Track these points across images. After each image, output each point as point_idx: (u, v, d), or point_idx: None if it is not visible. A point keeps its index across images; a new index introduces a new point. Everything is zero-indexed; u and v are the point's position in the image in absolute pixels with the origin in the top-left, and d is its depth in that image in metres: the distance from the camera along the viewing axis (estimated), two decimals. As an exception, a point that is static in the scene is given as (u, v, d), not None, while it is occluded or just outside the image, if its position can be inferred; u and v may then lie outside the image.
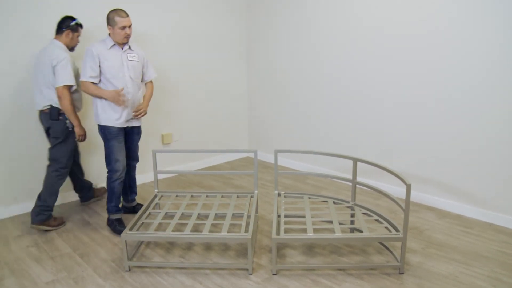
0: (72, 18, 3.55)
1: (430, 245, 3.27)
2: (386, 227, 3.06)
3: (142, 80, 3.66)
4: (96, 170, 4.35)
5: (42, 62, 3.46)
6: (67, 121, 3.54)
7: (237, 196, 3.65)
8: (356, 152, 4.45)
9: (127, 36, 3.37)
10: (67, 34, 3.53)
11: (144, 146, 4.68)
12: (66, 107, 3.44)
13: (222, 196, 3.67)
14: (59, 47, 3.49)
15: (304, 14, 4.81)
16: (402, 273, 2.86)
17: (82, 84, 3.34)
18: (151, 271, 2.93)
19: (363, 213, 3.30)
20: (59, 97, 3.42)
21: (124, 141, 3.60)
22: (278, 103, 5.36)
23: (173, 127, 4.97)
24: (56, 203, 4.10)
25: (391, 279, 2.80)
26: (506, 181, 3.52)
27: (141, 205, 3.96)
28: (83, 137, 3.66)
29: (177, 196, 3.70)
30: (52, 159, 3.58)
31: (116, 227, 3.52)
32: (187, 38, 4.88)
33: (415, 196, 4.10)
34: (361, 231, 2.99)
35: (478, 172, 3.66)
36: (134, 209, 3.92)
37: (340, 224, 3.10)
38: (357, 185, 3.44)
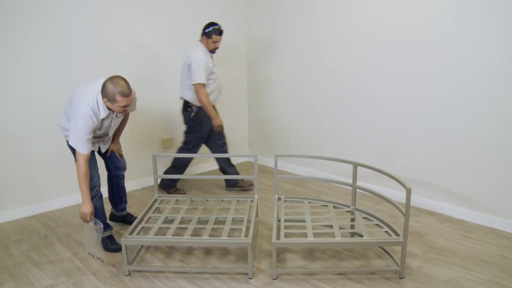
0: (211, 25, 4.12)
1: (430, 250, 3.26)
2: (386, 232, 3.06)
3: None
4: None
5: (184, 60, 4.23)
6: (193, 113, 4.23)
7: (237, 201, 3.65)
8: (356, 157, 4.45)
9: (126, 111, 3.06)
10: (203, 39, 4.17)
11: (144, 151, 4.68)
12: (201, 102, 4.11)
13: (222, 201, 3.67)
14: (199, 47, 4.13)
15: (305, 18, 4.82)
16: (403, 278, 2.86)
17: None
18: (151, 275, 2.93)
19: (363, 218, 3.30)
20: (196, 92, 4.08)
21: (100, 153, 3.41)
22: (279, 107, 5.37)
23: (173, 131, 4.97)
24: (59, 207, 4.11)
25: (391, 284, 2.79)
26: (507, 185, 3.51)
27: (131, 215, 3.80)
28: (221, 127, 4.31)
29: (177, 200, 3.70)
30: (184, 141, 4.42)
31: (108, 245, 3.30)
32: (188, 41, 4.89)
33: (415, 200, 4.10)
34: (361, 236, 2.99)
35: (478, 177, 3.66)
36: (124, 218, 3.76)
37: (340, 228, 3.10)
38: (357, 190, 3.44)
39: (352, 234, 3.40)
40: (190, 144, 4.40)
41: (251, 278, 2.87)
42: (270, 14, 5.21)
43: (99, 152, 3.43)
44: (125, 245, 2.88)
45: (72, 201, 4.25)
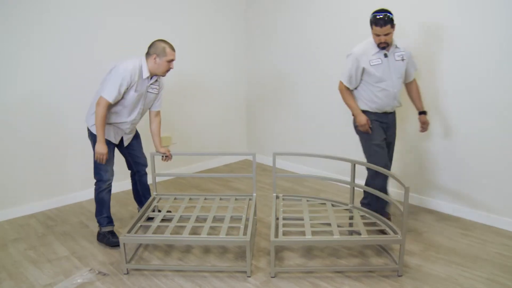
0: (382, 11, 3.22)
1: (429, 248, 3.26)
2: (384, 230, 3.06)
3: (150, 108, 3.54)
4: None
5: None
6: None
7: (236, 199, 3.65)
8: (354, 155, 4.44)
9: (169, 70, 3.30)
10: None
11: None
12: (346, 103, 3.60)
13: (220, 199, 3.66)
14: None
15: (303, 16, 4.82)
16: (401, 276, 2.86)
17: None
18: (149, 274, 2.93)
19: (362, 216, 3.30)
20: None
21: (124, 148, 3.51)
22: (277, 105, 5.36)
23: (171, 130, 4.96)
24: (54, 207, 4.10)
25: (389, 282, 2.79)
26: (505, 183, 3.52)
27: (159, 211, 3.71)
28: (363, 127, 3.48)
29: (175, 198, 3.69)
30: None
31: (110, 239, 3.34)
32: (186, 41, 4.88)
33: (414, 198, 4.10)
34: (359, 234, 2.99)
35: (477, 175, 3.66)
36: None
37: (338, 226, 3.10)
38: (355, 188, 3.44)
39: (351, 232, 3.41)
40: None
41: (250, 277, 2.87)
42: (269, 13, 5.21)
43: (120, 149, 3.50)
44: (123, 244, 2.87)
45: (70, 200, 4.24)
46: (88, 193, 4.28)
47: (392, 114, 3.56)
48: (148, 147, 4.70)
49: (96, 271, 2.95)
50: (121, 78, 3.06)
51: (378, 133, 3.45)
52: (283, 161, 5.38)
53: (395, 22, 3.20)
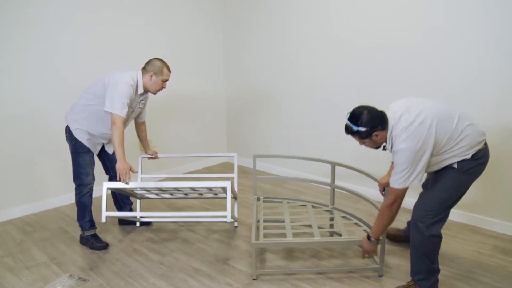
0: None
1: (408, 247, 3.30)
2: (365, 230, 3.09)
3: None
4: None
5: None
6: None
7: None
8: (334, 156, 4.48)
9: (161, 90, 3.35)
10: None
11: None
12: None
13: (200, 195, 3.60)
14: None
15: (280, 21, 4.84)
16: (382, 276, 2.89)
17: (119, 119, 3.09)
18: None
19: (342, 217, 3.33)
20: None
21: (102, 152, 3.49)
22: (256, 108, 5.37)
23: (150, 133, 4.90)
24: (32, 212, 4.03)
25: (370, 282, 2.82)
26: (481, 183, 3.58)
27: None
28: None
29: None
30: None
31: (94, 243, 3.34)
32: (163, 50, 4.86)
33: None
34: (340, 235, 3.01)
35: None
36: (131, 221, 3.79)
37: (319, 228, 3.12)
38: (336, 189, 3.46)
39: (331, 234, 3.43)
40: None
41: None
42: (246, 19, 5.22)
43: (98, 154, 3.48)
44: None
45: (48, 205, 4.17)
46: (67, 198, 4.22)
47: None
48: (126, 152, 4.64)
49: (76, 277, 2.91)
50: (126, 92, 3.07)
51: None
52: (263, 163, 5.39)
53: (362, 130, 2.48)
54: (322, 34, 4.47)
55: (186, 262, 3.12)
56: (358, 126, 2.45)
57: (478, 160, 2.45)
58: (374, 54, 4.06)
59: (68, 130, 3.30)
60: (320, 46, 4.51)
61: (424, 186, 2.96)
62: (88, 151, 3.29)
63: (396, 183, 2.42)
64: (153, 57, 3.30)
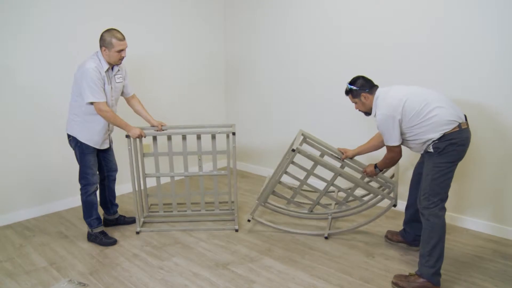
0: None
1: (408, 252, 3.30)
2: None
3: (122, 95, 3.64)
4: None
5: None
6: None
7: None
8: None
9: (122, 59, 3.34)
10: None
11: (122, 158, 4.58)
12: None
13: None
14: None
15: (278, 17, 4.85)
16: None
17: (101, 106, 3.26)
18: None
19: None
20: None
21: (99, 151, 3.57)
22: (252, 108, 5.38)
23: (149, 138, 4.87)
24: (32, 217, 4.03)
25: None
26: (481, 187, 3.59)
27: (124, 216, 3.89)
28: None
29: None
30: None
31: (103, 240, 3.47)
32: (164, 42, 4.86)
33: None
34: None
35: (453, 179, 3.71)
36: (117, 221, 3.85)
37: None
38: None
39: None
40: None
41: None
42: (246, 13, 5.23)
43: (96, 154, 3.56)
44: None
45: (47, 210, 4.15)
46: (67, 202, 4.23)
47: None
48: (119, 155, 4.59)
49: (76, 282, 2.90)
50: (93, 77, 3.16)
51: None
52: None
53: (354, 88, 3.03)
54: (322, 34, 4.47)
55: (186, 267, 3.11)
56: (351, 85, 3.03)
57: (450, 141, 2.67)
58: (374, 54, 4.06)
59: (71, 135, 3.40)
60: (320, 46, 4.51)
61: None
62: (93, 151, 3.43)
63: (386, 142, 2.91)
64: (104, 30, 3.28)
